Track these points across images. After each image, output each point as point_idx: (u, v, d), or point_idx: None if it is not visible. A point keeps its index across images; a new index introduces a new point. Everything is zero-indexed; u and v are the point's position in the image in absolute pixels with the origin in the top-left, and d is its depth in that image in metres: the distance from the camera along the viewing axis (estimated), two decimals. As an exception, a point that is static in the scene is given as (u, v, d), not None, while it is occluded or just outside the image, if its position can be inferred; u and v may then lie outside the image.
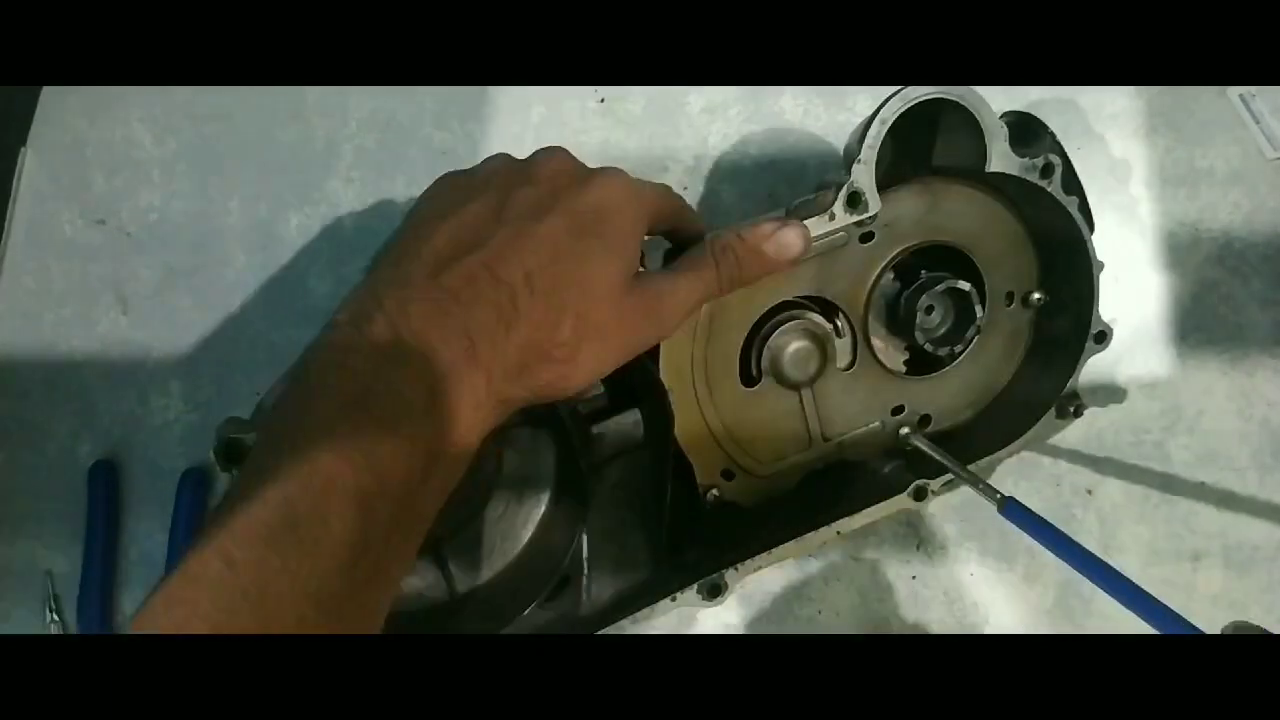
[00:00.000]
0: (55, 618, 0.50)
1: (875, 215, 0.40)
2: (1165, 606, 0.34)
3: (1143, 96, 0.51)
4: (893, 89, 0.39)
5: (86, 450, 0.50)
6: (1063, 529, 0.51)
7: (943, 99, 0.39)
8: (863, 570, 0.51)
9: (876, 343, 0.45)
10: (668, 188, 0.41)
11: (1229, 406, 0.51)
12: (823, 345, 0.44)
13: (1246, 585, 0.51)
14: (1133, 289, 0.51)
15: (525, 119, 0.51)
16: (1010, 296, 0.46)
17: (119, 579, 0.50)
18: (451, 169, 0.50)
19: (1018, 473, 0.51)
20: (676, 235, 0.40)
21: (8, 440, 0.51)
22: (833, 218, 0.39)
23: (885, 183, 0.41)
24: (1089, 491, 0.51)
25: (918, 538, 0.51)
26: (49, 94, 0.51)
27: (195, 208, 0.50)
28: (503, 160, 0.38)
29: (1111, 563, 0.35)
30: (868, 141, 0.39)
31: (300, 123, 0.50)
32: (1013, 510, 0.39)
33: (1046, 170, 0.41)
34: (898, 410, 0.46)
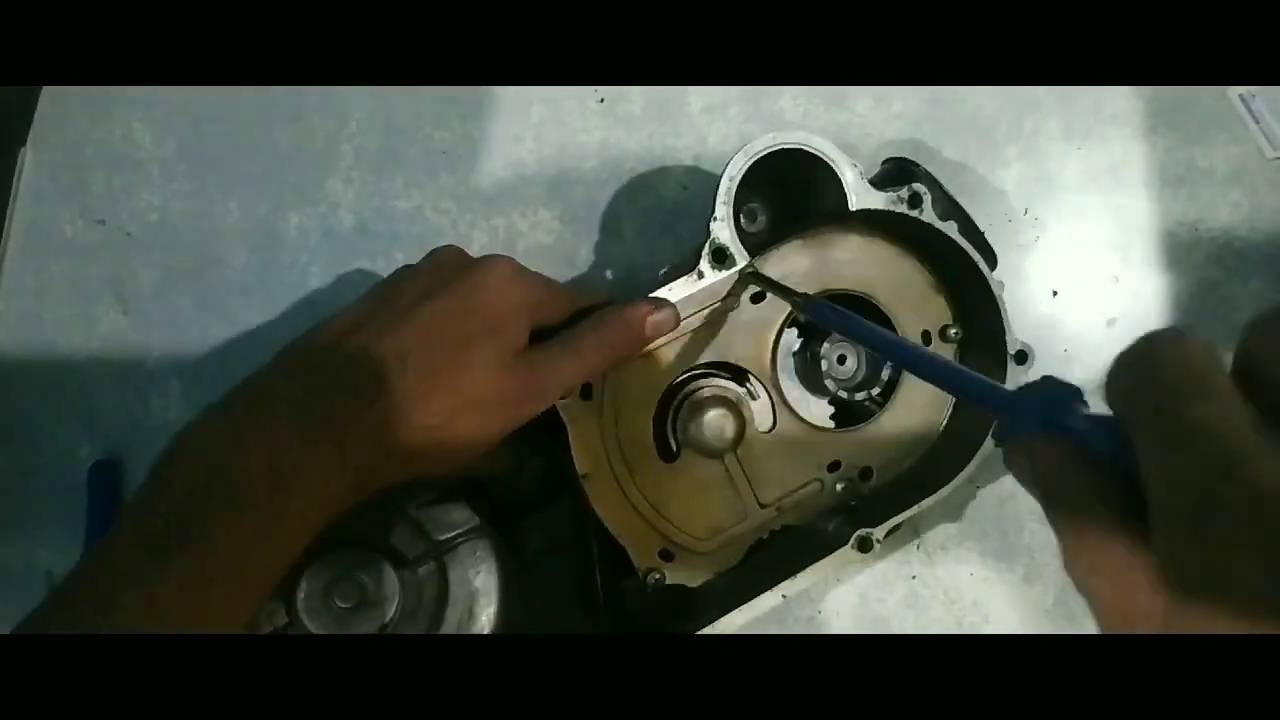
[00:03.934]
0: (55, 618, 0.50)
1: (747, 269, 0.40)
2: (969, 373, 0.30)
3: (1142, 96, 0.51)
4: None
5: (86, 450, 0.50)
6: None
7: (788, 149, 0.40)
8: (863, 570, 0.51)
9: (795, 400, 0.45)
10: (554, 282, 0.42)
11: (1229, 406, 0.51)
12: (738, 410, 0.44)
13: (1246, 585, 0.51)
14: (1132, 289, 0.51)
15: (525, 119, 0.51)
16: (927, 335, 0.46)
17: (119, 579, 0.50)
18: (451, 169, 0.51)
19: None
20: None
21: (8, 440, 0.51)
22: (701, 276, 0.39)
23: (770, 241, 0.42)
24: (1089, 491, 0.51)
25: (918, 538, 0.51)
26: (49, 94, 0.51)
27: (195, 208, 0.50)
28: (404, 269, 0.40)
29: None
30: (719, 198, 0.39)
31: (300, 123, 0.50)
32: (816, 309, 0.39)
33: (914, 200, 0.41)
34: (834, 466, 0.45)
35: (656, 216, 0.51)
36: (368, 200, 0.51)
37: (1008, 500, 0.51)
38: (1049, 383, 0.24)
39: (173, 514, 0.31)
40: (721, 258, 0.39)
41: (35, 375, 0.50)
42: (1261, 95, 0.50)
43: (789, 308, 0.43)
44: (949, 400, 0.47)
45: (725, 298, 0.42)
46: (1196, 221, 0.51)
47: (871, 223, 0.43)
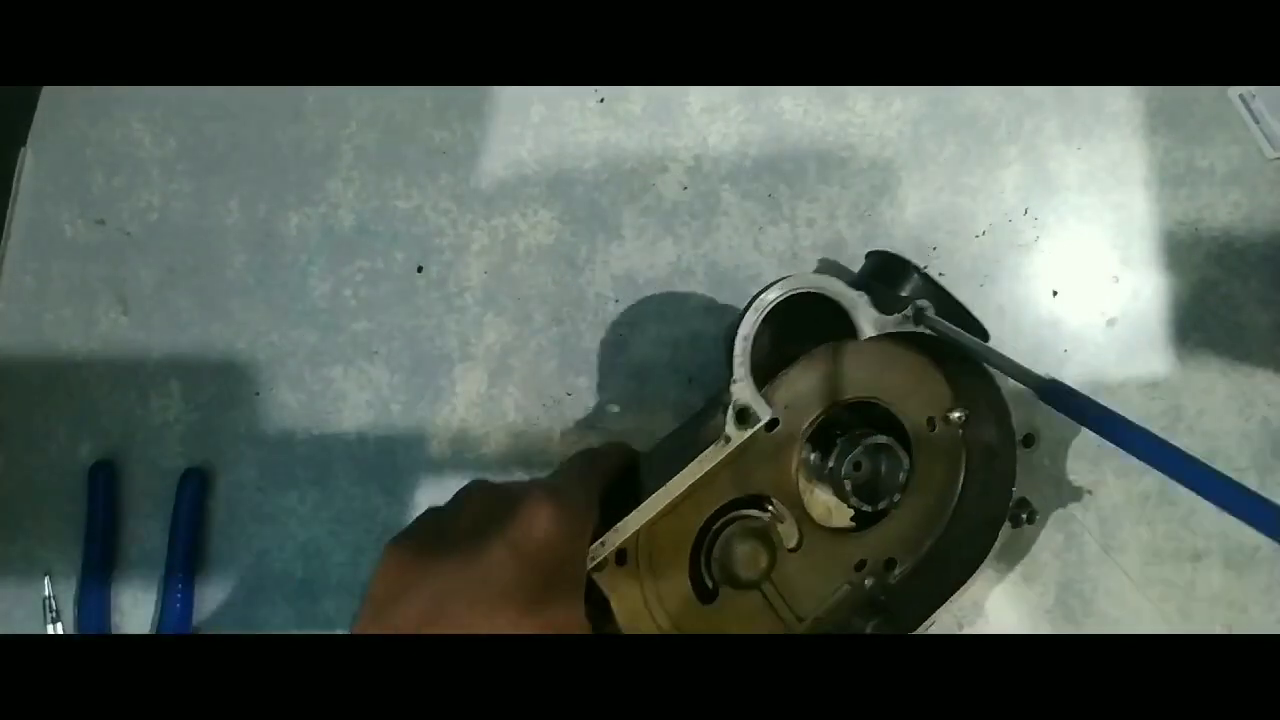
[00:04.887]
0: (55, 618, 0.50)
1: (770, 418, 0.40)
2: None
3: (1142, 96, 0.51)
4: (777, 280, 0.39)
5: (86, 450, 0.50)
6: (1063, 529, 0.51)
7: (799, 293, 0.39)
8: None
9: (819, 511, 0.45)
10: (581, 465, 0.41)
11: (1229, 406, 0.51)
12: (767, 537, 0.43)
13: (1246, 585, 0.51)
14: (1133, 289, 0.51)
15: (525, 118, 0.51)
16: (932, 421, 0.46)
17: (119, 579, 0.50)
18: (451, 169, 0.51)
19: (1020, 472, 0.51)
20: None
21: (8, 440, 0.51)
22: (728, 440, 0.39)
23: (775, 369, 0.41)
24: (1089, 491, 0.51)
25: (918, 538, 0.51)
26: (49, 94, 0.51)
27: (195, 208, 0.51)
28: (431, 514, 0.38)
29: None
30: (737, 359, 0.39)
31: (300, 123, 0.50)
32: (1053, 392, 0.37)
33: (918, 317, 0.41)
34: (860, 565, 0.46)
35: (656, 216, 0.51)
36: (368, 200, 0.51)
37: (1008, 500, 0.51)
38: None
39: None
40: (745, 417, 0.39)
41: (35, 375, 0.50)
42: (1261, 95, 0.50)
43: (804, 427, 0.43)
44: (960, 474, 0.47)
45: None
46: (1196, 221, 0.51)
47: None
